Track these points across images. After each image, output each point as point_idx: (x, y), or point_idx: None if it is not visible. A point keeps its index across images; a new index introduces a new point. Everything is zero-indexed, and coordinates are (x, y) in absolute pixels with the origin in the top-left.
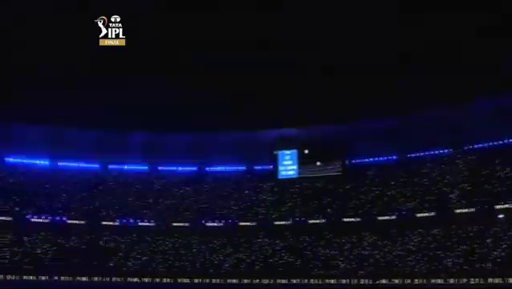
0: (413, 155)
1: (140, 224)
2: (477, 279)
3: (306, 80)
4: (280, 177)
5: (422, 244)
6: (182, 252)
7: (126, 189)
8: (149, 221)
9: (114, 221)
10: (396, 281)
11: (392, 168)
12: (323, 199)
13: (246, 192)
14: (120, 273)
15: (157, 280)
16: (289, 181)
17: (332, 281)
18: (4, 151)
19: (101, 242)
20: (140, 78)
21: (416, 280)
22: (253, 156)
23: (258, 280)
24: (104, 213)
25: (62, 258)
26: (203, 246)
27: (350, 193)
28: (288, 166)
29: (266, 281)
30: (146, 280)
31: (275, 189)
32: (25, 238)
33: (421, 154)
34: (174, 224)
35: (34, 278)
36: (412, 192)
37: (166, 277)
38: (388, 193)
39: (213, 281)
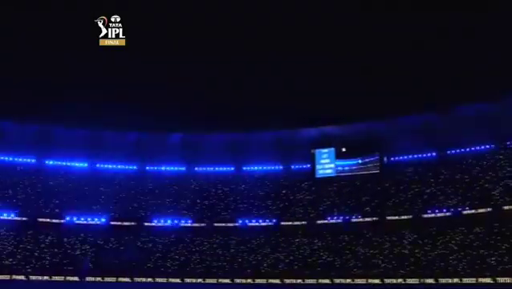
0: (453, 151)
1: (178, 225)
2: None
3: (343, 77)
4: (317, 176)
5: (465, 242)
6: (220, 252)
7: (164, 189)
8: (187, 222)
9: (152, 222)
10: (443, 281)
11: (432, 165)
12: (362, 198)
13: (284, 191)
14: (159, 274)
15: (197, 280)
16: (326, 180)
17: (373, 280)
18: (44, 154)
19: (139, 243)
20: (178, 78)
21: (459, 279)
22: (290, 155)
23: (297, 280)
24: (143, 214)
25: (101, 260)
26: (241, 246)
27: (389, 191)
28: (325, 165)
29: (307, 281)
30: (187, 281)
31: (313, 188)
32: (65, 240)
33: (462, 150)
34: (212, 224)
35: (75, 279)
36: (453, 189)
37: (204, 277)
38: (428, 191)
39: (252, 281)
